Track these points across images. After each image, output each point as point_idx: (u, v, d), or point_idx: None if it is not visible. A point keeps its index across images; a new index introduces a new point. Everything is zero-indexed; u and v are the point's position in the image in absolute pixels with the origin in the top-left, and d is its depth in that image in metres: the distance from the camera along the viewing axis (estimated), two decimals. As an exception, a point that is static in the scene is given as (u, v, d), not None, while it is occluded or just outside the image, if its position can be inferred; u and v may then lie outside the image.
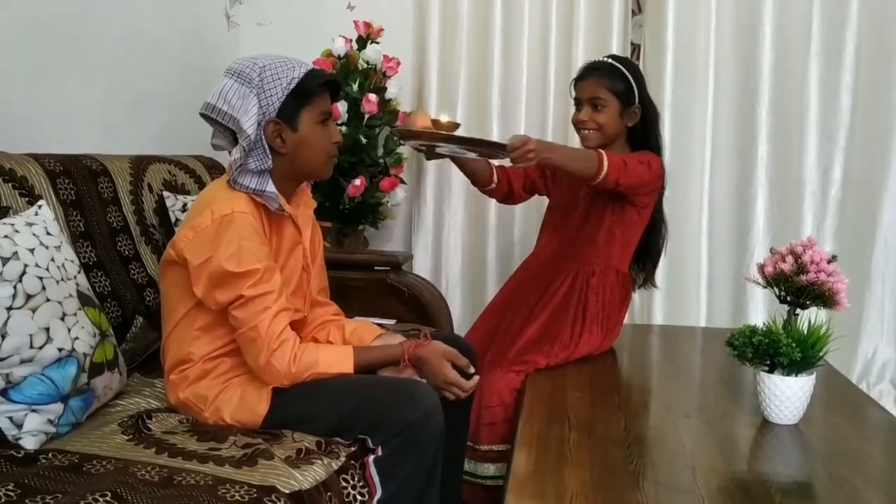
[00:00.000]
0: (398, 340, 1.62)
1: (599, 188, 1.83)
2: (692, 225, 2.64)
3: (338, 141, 1.54)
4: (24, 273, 1.26)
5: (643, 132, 1.96)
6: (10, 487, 1.09)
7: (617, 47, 2.64)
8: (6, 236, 1.28)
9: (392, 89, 2.66)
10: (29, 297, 1.26)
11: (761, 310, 2.66)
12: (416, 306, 2.34)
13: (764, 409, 1.51)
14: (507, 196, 2.09)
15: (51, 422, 1.28)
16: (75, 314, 1.34)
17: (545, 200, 2.19)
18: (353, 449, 1.40)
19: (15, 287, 1.25)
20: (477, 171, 1.99)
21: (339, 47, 2.61)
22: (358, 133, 2.58)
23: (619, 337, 2.06)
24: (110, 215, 1.76)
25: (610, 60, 1.97)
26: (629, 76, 1.92)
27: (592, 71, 1.94)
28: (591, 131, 1.93)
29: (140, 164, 1.93)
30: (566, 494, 1.18)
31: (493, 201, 2.78)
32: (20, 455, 1.22)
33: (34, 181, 1.57)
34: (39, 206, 1.44)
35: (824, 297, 1.50)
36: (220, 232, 1.39)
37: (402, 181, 2.71)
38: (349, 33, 2.63)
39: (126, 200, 1.82)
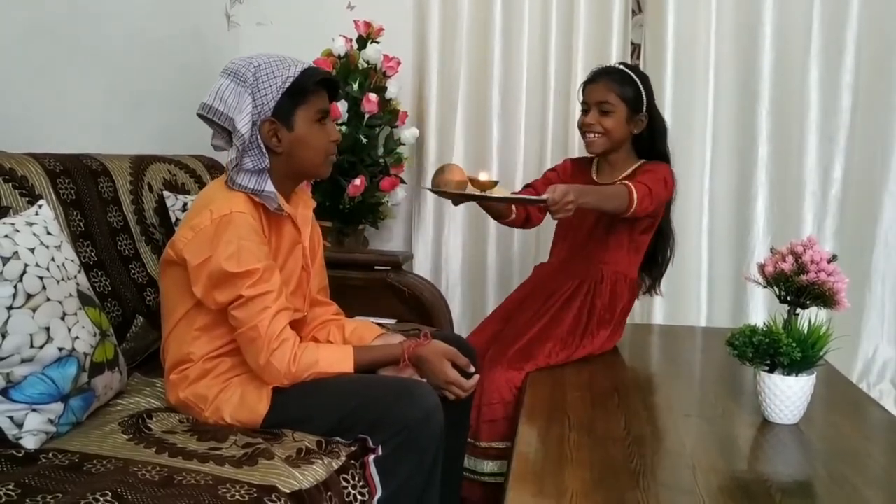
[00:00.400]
0: (398, 340, 1.62)
1: (631, 219, 1.88)
2: (692, 225, 2.64)
3: (336, 140, 1.54)
4: (24, 273, 1.26)
5: (649, 140, 1.98)
6: (10, 487, 1.09)
7: (617, 47, 2.65)
8: (6, 236, 1.28)
9: (392, 89, 2.66)
10: (29, 296, 1.26)
11: (761, 309, 2.66)
12: (416, 306, 2.34)
13: (764, 408, 1.51)
14: (525, 222, 2.07)
15: (51, 421, 1.28)
16: (76, 314, 1.34)
17: None
18: (353, 448, 1.40)
19: (15, 287, 1.25)
20: (494, 206, 1.96)
21: (340, 47, 2.61)
22: (358, 133, 2.58)
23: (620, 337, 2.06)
24: (110, 215, 1.75)
25: (621, 66, 1.99)
26: (639, 84, 1.94)
27: (603, 75, 1.96)
28: (598, 135, 1.94)
29: (140, 164, 1.93)
30: (566, 494, 1.18)
31: (493, 201, 2.79)
32: (20, 454, 1.22)
33: (34, 181, 1.57)
34: (40, 206, 1.44)
35: (824, 297, 1.50)
36: (220, 232, 1.38)
37: (402, 181, 2.71)
38: (349, 33, 2.63)
39: (126, 200, 1.82)
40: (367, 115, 2.57)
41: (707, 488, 1.22)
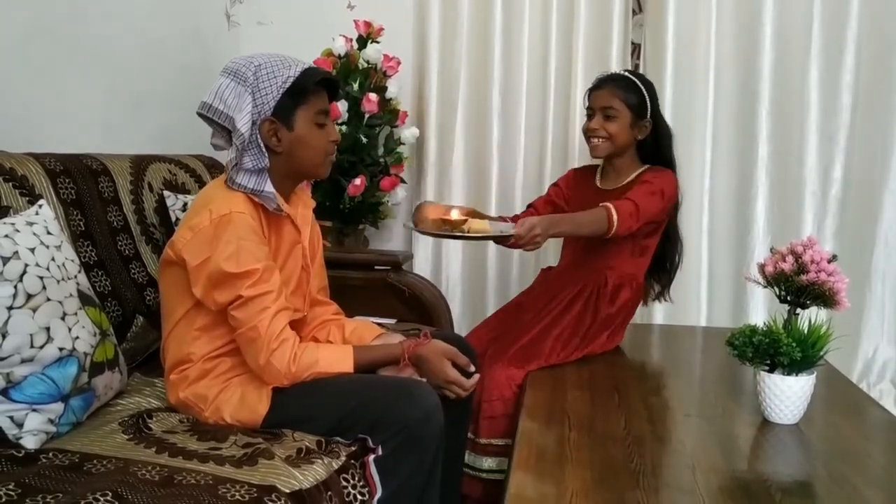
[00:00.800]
0: (398, 340, 1.62)
1: (617, 238, 1.88)
2: (693, 225, 2.64)
3: (335, 140, 1.54)
4: (24, 272, 1.26)
5: (654, 146, 1.99)
6: (10, 487, 1.09)
7: (617, 47, 2.64)
8: (7, 236, 1.28)
9: (392, 89, 2.66)
10: (29, 296, 1.26)
11: (761, 309, 2.66)
12: (416, 306, 2.34)
13: (764, 408, 1.51)
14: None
15: (51, 421, 1.29)
16: (76, 313, 1.34)
17: None
18: (353, 448, 1.40)
19: (15, 286, 1.25)
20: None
21: (340, 47, 2.61)
22: (358, 132, 2.58)
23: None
24: (111, 215, 1.76)
25: (626, 73, 2.01)
26: (643, 90, 1.96)
27: (608, 81, 1.98)
28: (602, 140, 1.96)
29: (140, 164, 1.93)
30: (566, 493, 1.18)
31: (493, 200, 2.80)
32: (21, 454, 1.23)
33: (34, 180, 1.57)
34: (40, 206, 1.44)
35: (824, 297, 1.50)
36: (219, 232, 1.38)
37: (402, 180, 2.71)
38: (349, 33, 2.63)
39: (126, 200, 1.82)
40: (367, 115, 2.57)
41: (707, 488, 1.22)
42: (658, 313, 2.69)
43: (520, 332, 1.94)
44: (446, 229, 1.74)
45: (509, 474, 1.28)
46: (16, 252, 1.27)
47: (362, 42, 2.64)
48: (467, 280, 2.89)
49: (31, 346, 1.25)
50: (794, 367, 1.45)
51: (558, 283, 2.04)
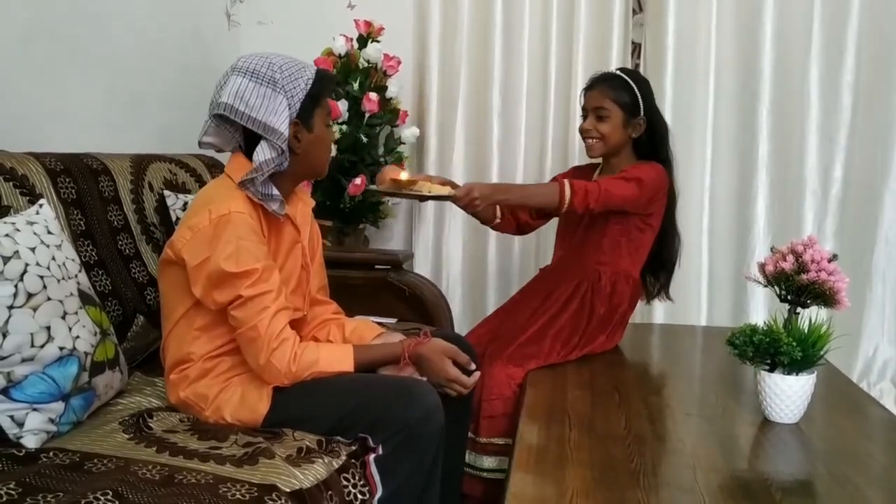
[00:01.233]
0: (398, 339, 1.62)
1: (572, 215, 1.90)
2: (693, 224, 2.64)
3: (334, 139, 1.56)
4: (24, 272, 1.26)
5: (649, 143, 1.98)
6: (11, 486, 1.09)
7: (617, 46, 2.65)
8: (7, 235, 1.29)
9: (393, 88, 2.66)
10: (30, 295, 1.26)
11: (762, 309, 2.66)
12: (416, 305, 2.34)
13: (764, 408, 1.51)
14: (519, 228, 2.11)
15: (52, 420, 1.29)
16: (76, 313, 1.34)
17: None
18: (353, 448, 1.40)
19: (16, 286, 1.25)
20: (479, 212, 1.98)
21: (340, 46, 2.61)
22: (358, 132, 2.58)
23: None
24: (111, 214, 1.76)
25: (618, 72, 2.01)
26: (635, 88, 1.95)
27: (599, 82, 1.98)
28: (595, 140, 1.97)
29: (141, 163, 1.93)
30: (567, 493, 1.18)
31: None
32: (21, 454, 1.23)
33: (35, 180, 1.57)
34: (40, 205, 1.44)
35: (825, 296, 1.50)
36: (218, 232, 1.38)
37: (402, 180, 2.70)
38: (350, 32, 2.63)
39: (127, 199, 1.82)
40: (367, 115, 2.57)
41: (707, 487, 1.22)
42: (658, 313, 2.69)
43: (518, 330, 1.94)
44: (394, 188, 1.80)
45: (510, 473, 1.28)
46: (16, 251, 1.27)
47: (363, 41, 2.64)
48: (467, 279, 2.89)
49: (32, 346, 1.25)
50: (794, 367, 1.45)
51: (553, 281, 2.04)
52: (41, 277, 1.29)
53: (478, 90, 2.79)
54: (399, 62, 2.65)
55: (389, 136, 2.71)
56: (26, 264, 1.27)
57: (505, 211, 2.04)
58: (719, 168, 2.69)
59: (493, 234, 2.83)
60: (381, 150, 2.68)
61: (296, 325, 1.53)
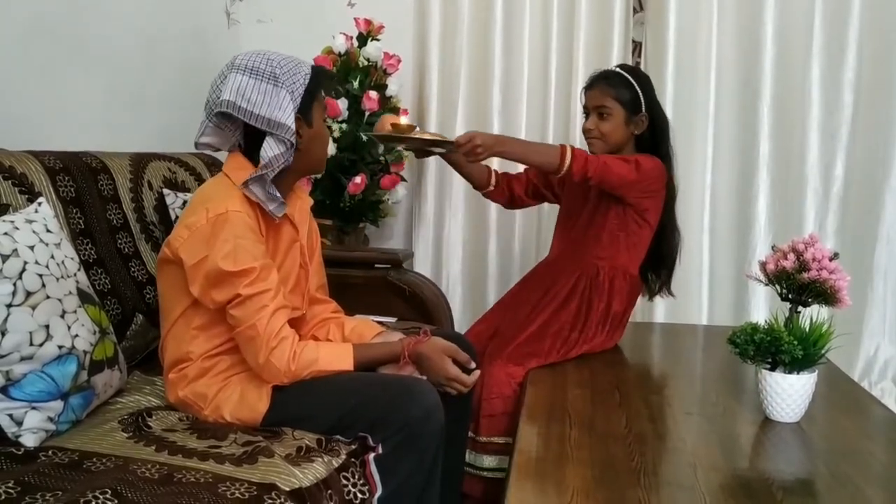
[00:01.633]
0: (398, 338, 1.61)
1: (568, 181, 1.89)
2: (694, 222, 2.64)
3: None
4: (23, 270, 1.26)
5: (651, 140, 1.98)
6: (10, 485, 1.09)
7: (618, 45, 2.64)
8: (6, 233, 1.28)
9: (393, 87, 2.66)
10: (29, 294, 1.26)
11: (763, 307, 2.66)
12: (416, 304, 2.33)
13: (765, 406, 1.50)
14: (510, 201, 2.11)
15: (51, 419, 1.28)
16: (75, 311, 1.34)
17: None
18: (353, 447, 1.40)
19: (15, 284, 1.24)
20: (474, 174, 2.02)
21: (340, 44, 2.60)
22: (359, 130, 2.57)
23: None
24: (110, 213, 1.75)
25: (618, 69, 2.00)
26: (636, 85, 1.94)
27: (600, 80, 1.97)
28: (597, 139, 1.96)
29: (140, 162, 1.92)
30: (567, 492, 1.17)
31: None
32: (20, 452, 1.22)
33: (34, 178, 1.57)
34: (39, 204, 1.44)
35: (826, 295, 1.50)
36: (216, 231, 1.38)
37: (402, 179, 2.71)
38: (350, 30, 2.63)
39: (126, 198, 1.82)
40: (367, 113, 2.57)
41: (708, 486, 1.21)
42: (659, 311, 2.69)
43: (518, 328, 1.93)
44: (394, 133, 1.78)
45: (510, 473, 1.28)
46: (15, 250, 1.27)
47: (363, 40, 2.63)
48: (467, 278, 2.89)
49: (31, 344, 1.25)
50: (795, 366, 1.45)
51: (551, 276, 2.03)
52: (40, 276, 1.29)
53: (478, 89, 2.79)
54: (399, 61, 2.65)
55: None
56: (25, 263, 1.27)
57: (500, 178, 2.04)
58: (720, 166, 2.68)
59: (493, 232, 2.83)
60: (381, 149, 2.67)
61: (295, 323, 1.52)
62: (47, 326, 1.27)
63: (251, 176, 1.43)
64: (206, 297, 1.41)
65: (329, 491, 1.27)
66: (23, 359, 1.25)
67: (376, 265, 2.44)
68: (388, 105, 2.64)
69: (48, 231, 1.37)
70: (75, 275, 1.40)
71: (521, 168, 2.17)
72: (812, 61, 2.57)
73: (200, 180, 2.09)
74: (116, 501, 1.08)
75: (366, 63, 2.62)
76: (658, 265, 2.08)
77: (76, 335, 1.32)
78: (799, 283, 1.51)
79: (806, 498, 1.24)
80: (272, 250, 1.51)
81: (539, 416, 1.52)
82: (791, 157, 2.63)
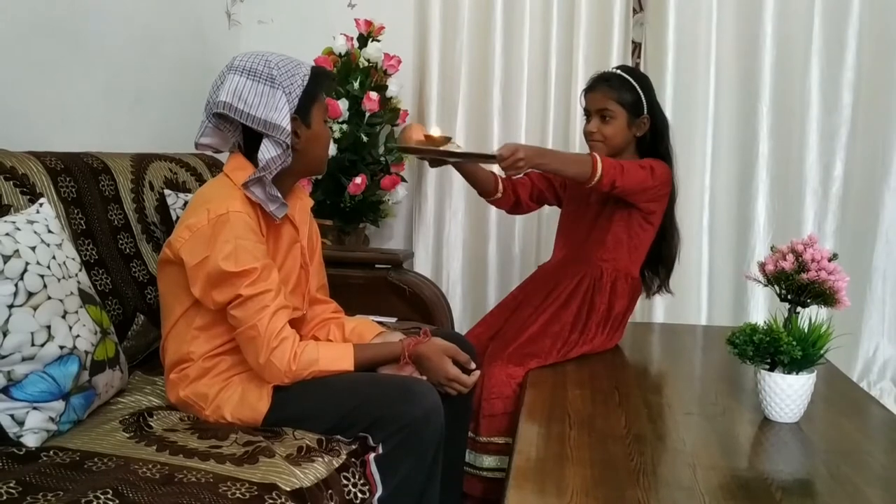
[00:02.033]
0: (398, 338, 1.62)
1: (596, 190, 1.86)
2: (693, 223, 2.64)
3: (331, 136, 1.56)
4: (25, 271, 1.27)
5: (652, 142, 1.98)
6: (11, 485, 1.09)
7: (618, 45, 2.65)
8: (7, 234, 1.29)
9: (393, 87, 2.66)
10: (30, 294, 1.26)
11: (762, 308, 2.66)
12: (416, 304, 2.34)
13: (765, 407, 1.51)
14: (515, 206, 2.10)
15: (52, 419, 1.29)
16: (76, 312, 1.34)
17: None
18: (353, 447, 1.40)
19: (16, 285, 1.25)
20: (481, 181, 2.00)
21: (341, 45, 2.61)
22: (359, 131, 2.58)
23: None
24: (111, 213, 1.76)
25: (619, 72, 1.99)
26: (637, 87, 1.94)
27: (601, 82, 1.96)
28: (600, 142, 1.96)
29: (141, 162, 1.93)
30: (567, 492, 1.18)
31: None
32: (21, 452, 1.23)
33: (35, 179, 1.57)
34: (41, 205, 1.44)
35: (825, 296, 1.50)
36: (216, 232, 1.38)
37: (402, 179, 2.71)
38: (350, 31, 2.63)
39: (127, 198, 1.82)
40: (367, 114, 2.58)
41: (707, 486, 1.22)
42: (658, 312, 2.69)
43: (519, 329, 1.94)
44: (428, 145, 1.73)
45: (510, 473, 1.28)
46: (16, 250, 1.27)
47: (363, 41, 2.64)
48: (468, 278, 2.89)
49: (32, 345, 1.25)
50: (794, 366, 1.45)
51: (554, 278, 2.03)
52: (41, 276, 1.29)
53: (478, 89, 2.79)
54: (399, 61, 2.65)
55: (390, 135, 2.71)
56: (27, 263, 1.27)
57: (507, 185, 2.04)
58: (720, 167, 2.69)
59: (493, 232, 2.83)
60: (381, 150, 2.68)
61: (295, 324, 1.53)
62: (49, 327, 1.28)
63: (250, 178, 1.43)
64: (206, 298, 1.41)
65: (329, 491, 1.27)
66: (24, 359, 1.25)
67: (377, 265, 2.44)
68: (388, 105, 2.65)
69: (49, 232, 1.38)
70: (76, 275, 1.40)
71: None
72: (812, 61, 2.57)
73: (201, 181, 2.09)
74: (117, 501, 1.08)
75: (366, 64, 2.62)
76: (658, 266, 2.08)
77: (77, 335, 1.32)
78: (798, 283, 1.51)
79: (805, 498, 1.24)
80: (273, 251, 1.51)
81: (539, 416, 1.52)
82: (790, 157, 2.63)
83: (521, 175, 1.76)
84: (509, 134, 2.78)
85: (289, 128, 1.42)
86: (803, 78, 2.58)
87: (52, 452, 1.23)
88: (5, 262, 1.24)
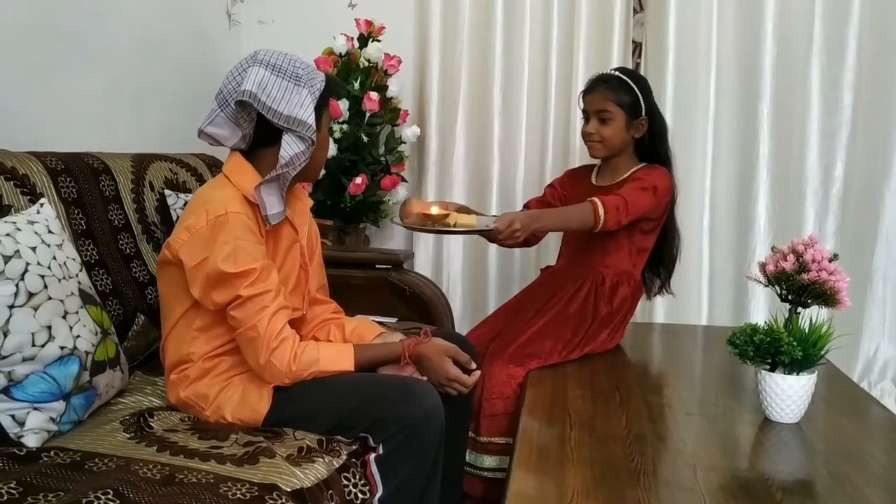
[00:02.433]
0: (398, 338, 1.62)
1: (605, 233, 1.87)
2: (694, 223, 2.64)
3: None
4: (25, 271, 1.27)
5: (651, 144, 1.98)
6: (12, 485, 1.09)
7: (618, 45, 2.64)
8: (8, 234, 1.29)
9: (393, 87, 2.66)
10: (31, 295, 1.26)
11: (762, 308, 2.66)
12: (416, 304, 2.34)
13: (765, 407, 1.51)
14: (525, 241, 1.99)
15: (53, 420, 1.29)
16: (77, 312, 1.34)
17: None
18: (354, 447, 1.40)
19: (17, 285, 1.25)
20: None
21: (341, 45, 2.61)
22: (359, 131, 2.58)
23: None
24: (112, 213, 1.76)
25: (617, 73, 1.99)
26: (636, 89, 1.94)
27: (599, 84, 1.96)
28: (598, 143, 1.96)
29: (142, 163, 1.93)
30: (567, 492, 1.18)
31: (494, 200, 2.80)
32: (22, 453, 1.23)
33: (36, 179, 1.57)
34: (41, 205, 1.44)
35: (826, 296, 1.50)
36: (215, 233, 1.38)
37: (403, 179, 2.71)
38: (351, 31, 2.63)
39: (128, 199, 1.82)
40: (368, 114, 2.57)
41: (707, 487, 1.22)
42: (659, 312, 2.69)
43: (520, 330, 1.94)
44: (429, 224, 1.76)
45: (510, 473, 1.28)
46: (17, 251, 1.27)
47: (363, 41, 2.64)
48: (468, 279, 2.89)
49: (33, 345, 1.25)
50: (795, 367, 1.45)
51: (557, 282, 2.04)
52: (42, 277, 1.29)
53: (479, 89, 2.79)
54: (400, 62, 2.65)
55: (390, 135, 2.71)
56: (27, 264, 1.27)
57: None
58: (720, 167, 2.68)
59: (493, 233, 2.83)
60: (381, 150, 2.68)
61: (295, 324, 1.53)
62: (49, 327, 1.28)
63: (270, 175, 1.43)
64: (206, 299, 1.41)
65: (330, 491, 1.27)
66: (25, 360, 1.25)
67: (377, 266, 2.44)
68: (388, 105, 2.65)
69: (50, 232, 1.38)
70: (77, 275, 1.40)
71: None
72: (812, 62, 2.57)
73: (201, 181, 2.09)
74: (118, 502, 1.08)
75: (366, 64, 2.62)
76: (658, 267, 2.09)
77: (78, 336, 1.32)
78: (798, 284, 1.51)
79: (805, 499, 1.24)
80: (272, 251, 1.51)
81: (539, 416, 1.52)
82: (791, 157, 2.63)
83: (519, 241, 1.79)
84: (509, 134, 2.78)
85: (314, 125, 1.42)
86: (804, 78, 2.58)
87: (52, 453, 1.23)
88: (6, 263, 1.24)
